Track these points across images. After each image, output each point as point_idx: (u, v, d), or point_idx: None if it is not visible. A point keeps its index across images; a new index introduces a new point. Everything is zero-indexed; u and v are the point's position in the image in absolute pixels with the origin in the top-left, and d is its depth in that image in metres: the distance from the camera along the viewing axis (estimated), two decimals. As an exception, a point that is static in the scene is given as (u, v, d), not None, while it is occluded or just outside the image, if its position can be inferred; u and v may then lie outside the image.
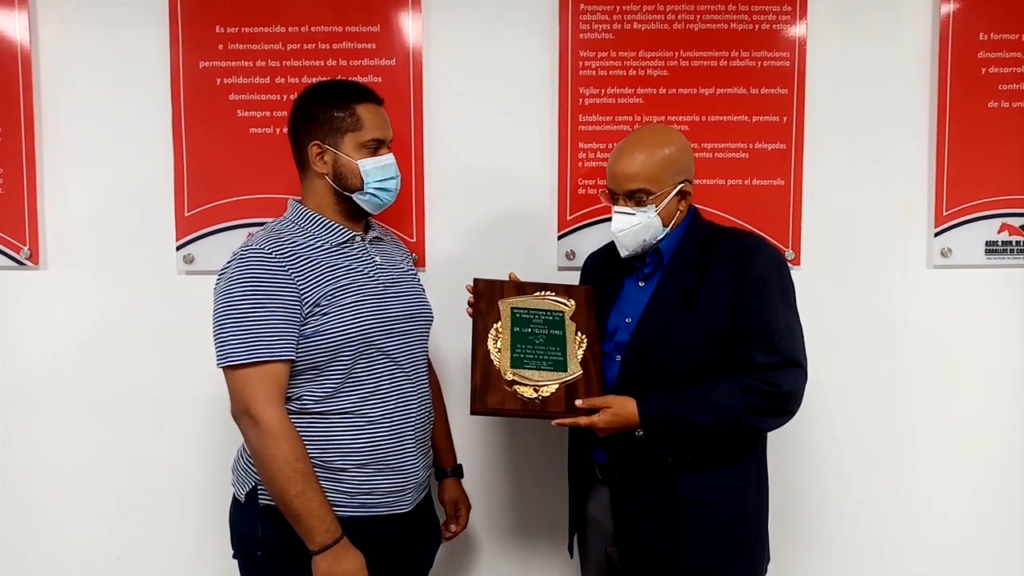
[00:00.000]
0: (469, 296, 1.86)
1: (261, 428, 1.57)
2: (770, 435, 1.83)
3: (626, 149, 1.76)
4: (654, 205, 1.73)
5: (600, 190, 2.09)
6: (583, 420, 1.66)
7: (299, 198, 1.79)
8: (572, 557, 1.98)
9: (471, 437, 2.25)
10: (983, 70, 2.23)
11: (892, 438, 2.31)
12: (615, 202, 1.77)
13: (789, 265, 2.12)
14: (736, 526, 1.75)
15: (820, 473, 2.32)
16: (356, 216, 1.78)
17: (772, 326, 1.67)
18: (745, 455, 1.76)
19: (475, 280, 1.88)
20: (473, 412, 1.70)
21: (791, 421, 1.72)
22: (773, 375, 1.64)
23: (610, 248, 1.96)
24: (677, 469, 1.71)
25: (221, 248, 2.11)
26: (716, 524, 1.73)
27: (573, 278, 2.07)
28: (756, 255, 1.73)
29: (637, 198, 1.73)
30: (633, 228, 1.74)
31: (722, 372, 1.68)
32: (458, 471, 2.03)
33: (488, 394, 1.70)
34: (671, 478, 1.71)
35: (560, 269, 2.25)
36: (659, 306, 1.73)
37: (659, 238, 1.77)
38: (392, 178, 1.76)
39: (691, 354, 1.70)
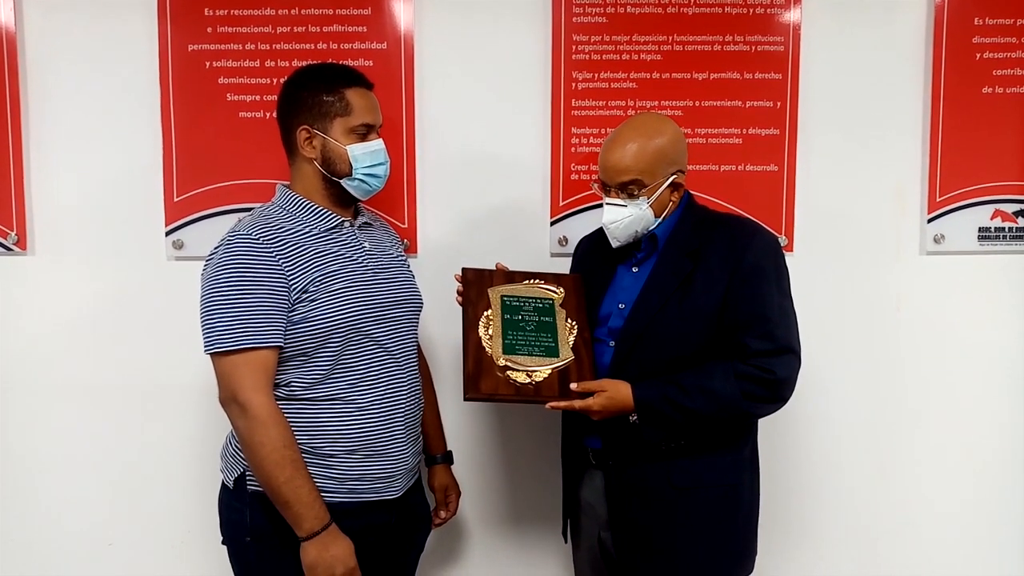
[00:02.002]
0: (459, 285, 1.85)
1: (249, 415, 1.56)
2: (762, 421, 1.83)
3: (618, 140, 1.74)
4: (646, 197, 1.72)
5: (593, 178, 2.08)
6: (578, 404, 1.65)
7: (287, 183, 1.77)
8: (567, 542, 1.98)
9: (463, 424, 2.24)
10: (978, 55, 2.23)
11: (884, 425, 2.32)
12: (607, 193, 1.76)
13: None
14: (729, 510, 1.75)
15: (812, 459, 2.32)
16: (345, 201, 1.76)
17: (767, 312, 1.67)
18: (738, 440, 1.77)
19: (463, 269, 1.87)
20: (466, 398, 1.69)
21: (784, 407, 1.71)
22: (768, 362, 1.64)
23: (602, 232, 1.95)
24: (671, 454, 1.71)
25: (211, 233, 2.08)
26: (710, 508, 1.73)
27: (566, 264, 2.07)
28: (752, 241, 1.72)
29: (629, 190, 1.72)
30: (625, 220, 1.73)
31: (716, 358, 1.68)
32: (448, 457, 2.03)
33: (481, 380, 1.69)
34: (665, 463, 1.71)
35: (553, 255, 2.24)
36: (654, 292, 1.73)
37: (651, 228, 1.76)
38: (381, 164, 1.75)
39: (686, 340, 1.69)
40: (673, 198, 1.77)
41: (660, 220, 1.76)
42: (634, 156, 1.71)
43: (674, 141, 1.75)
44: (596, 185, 1.82)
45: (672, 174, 1.74)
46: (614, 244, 1.78)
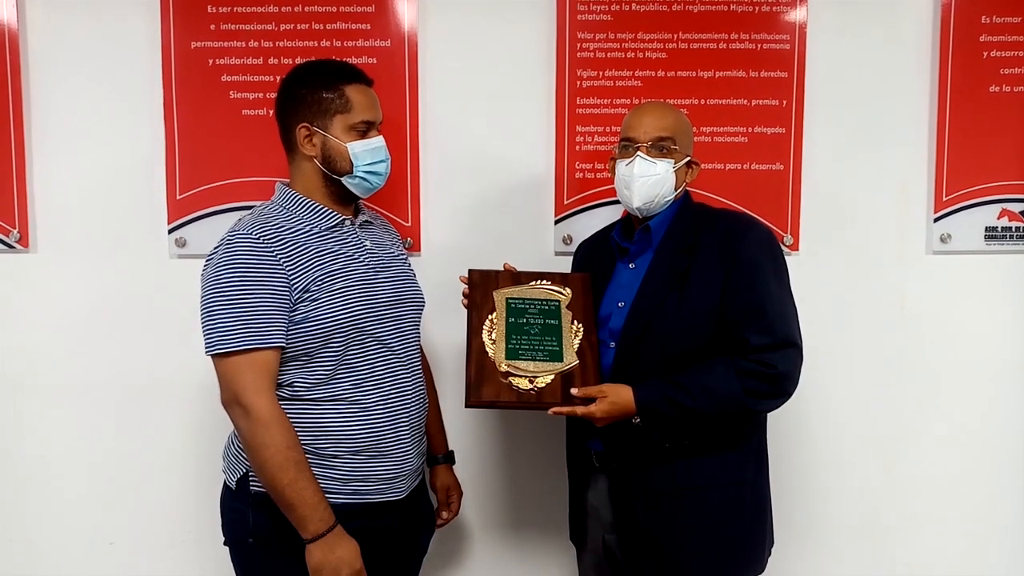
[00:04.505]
0: (464, 287, 1.85)
1: (251, 417, 1.55)
2: (769, 419, 1.82)
3: (650, 105, 1.84)
4: (674, 160, 1.74)
5: (604, 161, 2.08)
6: (580, 410, 1.64)
7: (287, 181, 1.76)
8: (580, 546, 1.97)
9: (466, 425, 2.24)
10: (985, 54, 2.21)
11: (890, 422, 2.31)
12: (634, 151, 1.75)
13: (786, 249, 2.12)
14: (735, 510, 1.74)
15: (818, 456, 2.32)
16: (345, 200, 1.75)
17: (766, 306, 1.66)
18: (743, 439, 1.76)
19: (470, 271, 1.86)
20: (468, 405, 1.68)
21: (789, 404, 1.71)
22: (769, 356, 1.64)
23: (600, 236, 1.96)
24: (675, 454, 1.70)
25: (214, 232, 2.06)
26: (715, 508, 1.72)
27: (570, 263, 2.05)
28: (748, 235, 1.72)
29: (662, 146, 1.74)
30: (654, 177, 1.74)
31: (717, 354, 1.67)
32: (450, 457, 2.02)
33: (483, 386, 1.68)
34: (669, 464, 1.71)
35: (557, 254, 2.23)
36: (652, 289, 1.72)
37: (668, 199, 1.77)
38: (382, 161, 1.73)
39: (685, 337, 1.69)
40: (687, 179, 1.80)
41: (673, 198, 1.78)
42: (669, 118, 1.78)
43: (691, 127, 1.85)
44: (616, 152, 1.82)
45: (688, 154, 1.79)
46: (636, 203, 1.76)
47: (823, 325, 2.18)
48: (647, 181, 1.74)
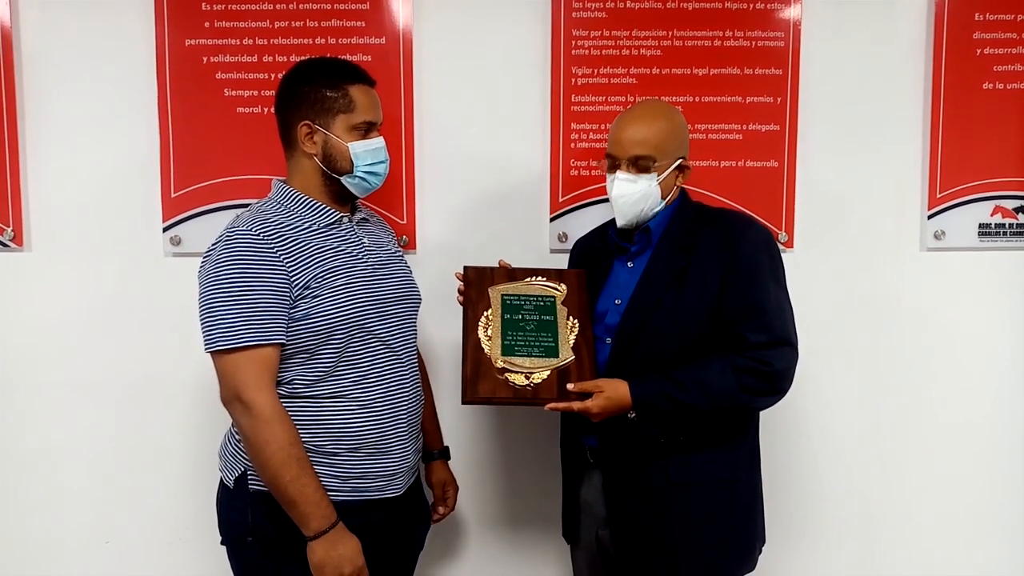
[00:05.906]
0: (460, 284, 1.85)
1: (253, 414, 1.55)
2: (763, 416, 1.83)
3: (633, 115, 1.79)
4: (656, 174, 1.74)
5: (599, 159, 2.08)
6: (576, 405, 1.65)
7: (283, 178, 1.76)
8: (570, 543, 1.97)
9: (462, 421, 2.24)
10: (978, 51, 2.22)
11: (885, 419, 2.31)
12: (616, 169, 1.76)
13: (781, 247, 2.13)
14: (728, 506, 1.75)
15: (812, 454, 2.32)
16: (343, 198, 1.75)
17: (764, 305, 1.67)
18: (737, 436, 1.77)
19: (465, 268, 1.86)
20: (464, 402, 1.68)
21: (784, 401, 1.71)
22: (765, 354, 1.64)
23: (598, 232, 1.96)
24: (669, 450, 1.71)
25: (209, 230, 2.05)
26: (708, 504, 1.73)
27: (565, 260, 2.05)
28: (745, 234, 1.73)
29: (641, 165, 1.73)
30: (634, 195, 1.74)
31: (713, 351, 1.68)
32: (445, 453, 2.03)
33: (479, 383, 1.69)
34: (663, 460, 1.71)
35: (552, 251, 2.23)
36: (649, 287, 1.73)
37: (656, 210, 1.77)
38: (382, 162, 1.74)
39: (682, 334, 1.69)
40: (678, 183, 1.80)
41: (663, 205, 1.78)
42: (649, 131, 1.74)
43: (682, 127, 1.81)
44: (602, 163, 1.82)
45: (679, 158, 1.77)
46: (620, 222, 1.78)
47: (818, 322, 2.19)
48: (628, 200, 1.75)
